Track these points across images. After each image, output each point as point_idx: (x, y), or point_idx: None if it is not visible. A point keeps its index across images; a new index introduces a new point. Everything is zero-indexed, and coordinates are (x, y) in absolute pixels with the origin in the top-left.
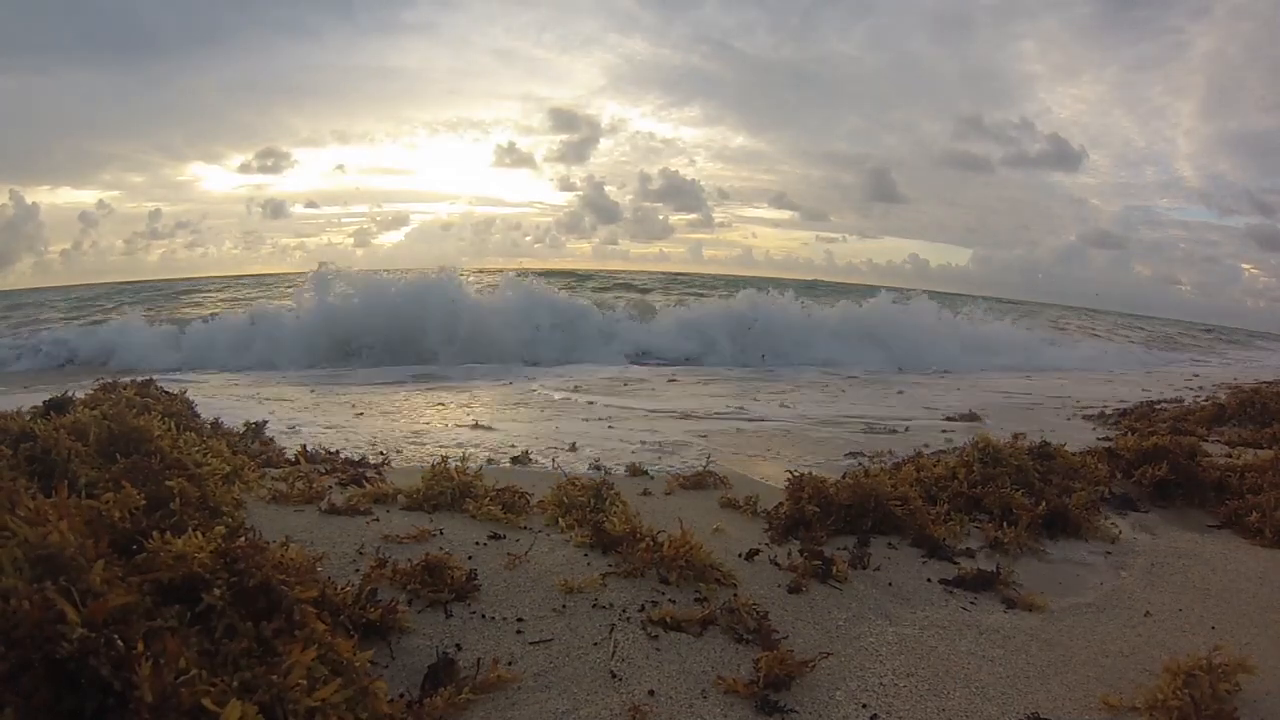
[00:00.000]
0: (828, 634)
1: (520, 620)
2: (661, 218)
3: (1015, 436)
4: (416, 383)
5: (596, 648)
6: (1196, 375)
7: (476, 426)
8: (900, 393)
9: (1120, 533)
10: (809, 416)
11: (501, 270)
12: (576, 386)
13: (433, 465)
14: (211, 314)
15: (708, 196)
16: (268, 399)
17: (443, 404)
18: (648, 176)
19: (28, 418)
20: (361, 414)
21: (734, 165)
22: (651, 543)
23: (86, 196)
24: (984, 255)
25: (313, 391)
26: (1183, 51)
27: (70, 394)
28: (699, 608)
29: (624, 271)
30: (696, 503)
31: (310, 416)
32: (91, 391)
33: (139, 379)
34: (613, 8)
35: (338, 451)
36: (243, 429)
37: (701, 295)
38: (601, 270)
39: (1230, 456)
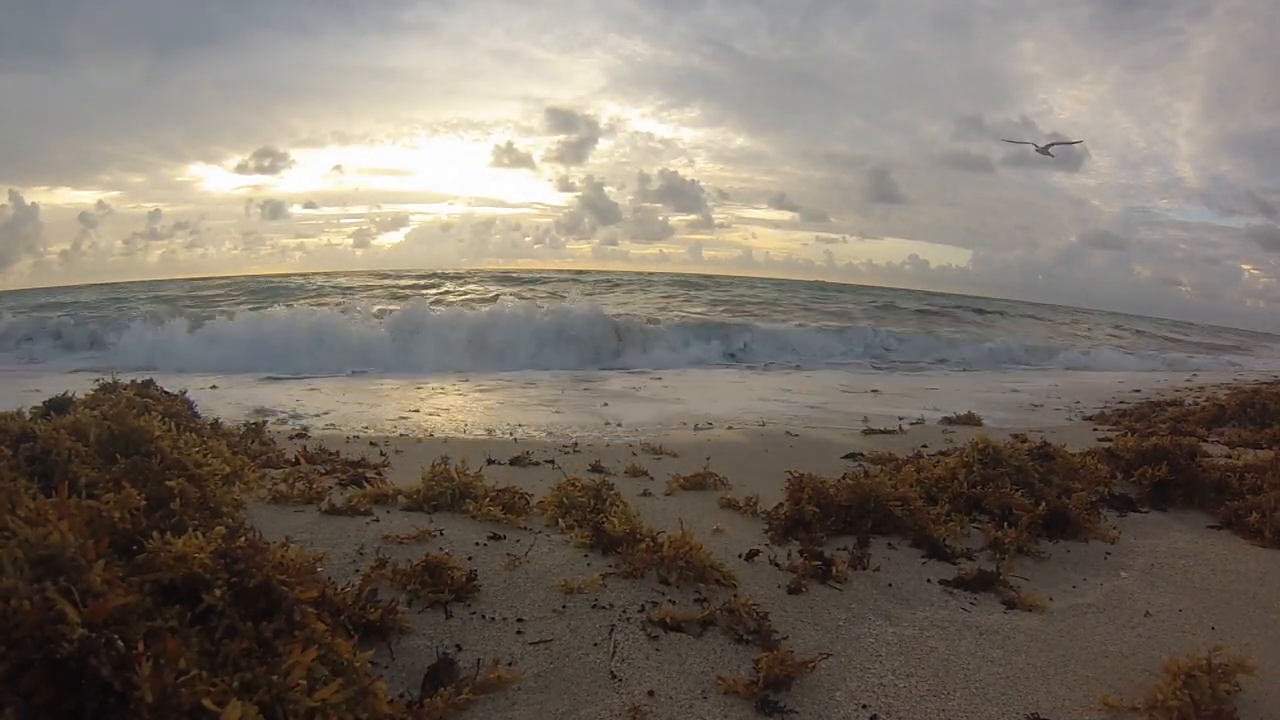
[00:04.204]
0: (828, 634)
1: (520, 621)
2: (661, 218)
3: (1016, 437)
4: None
5: (596, 648)
6: (1194, 375)
7: None
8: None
9: (1120, 533)
10: None
11: (502, 271)
12: None
13: (433, 465)
14: None
15: (708, 197)
16: None
17: None
18: (647, 177)
19: (28, 418)
20: None
21: (734, 166)
22: (651, 543)
23: (86, 197)
24: (984, 256)
25: None
26: (1183, 52)
27: (70, 394)
28: (699, 608)
29: (625, 271)
30: (696, 503)
31: None
32: (92, 391)
33: (139, 379)
34: (613, 8)
35: (337, 452)
36: (242, 429)
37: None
38: (602, 270)
39: (1230, 457)
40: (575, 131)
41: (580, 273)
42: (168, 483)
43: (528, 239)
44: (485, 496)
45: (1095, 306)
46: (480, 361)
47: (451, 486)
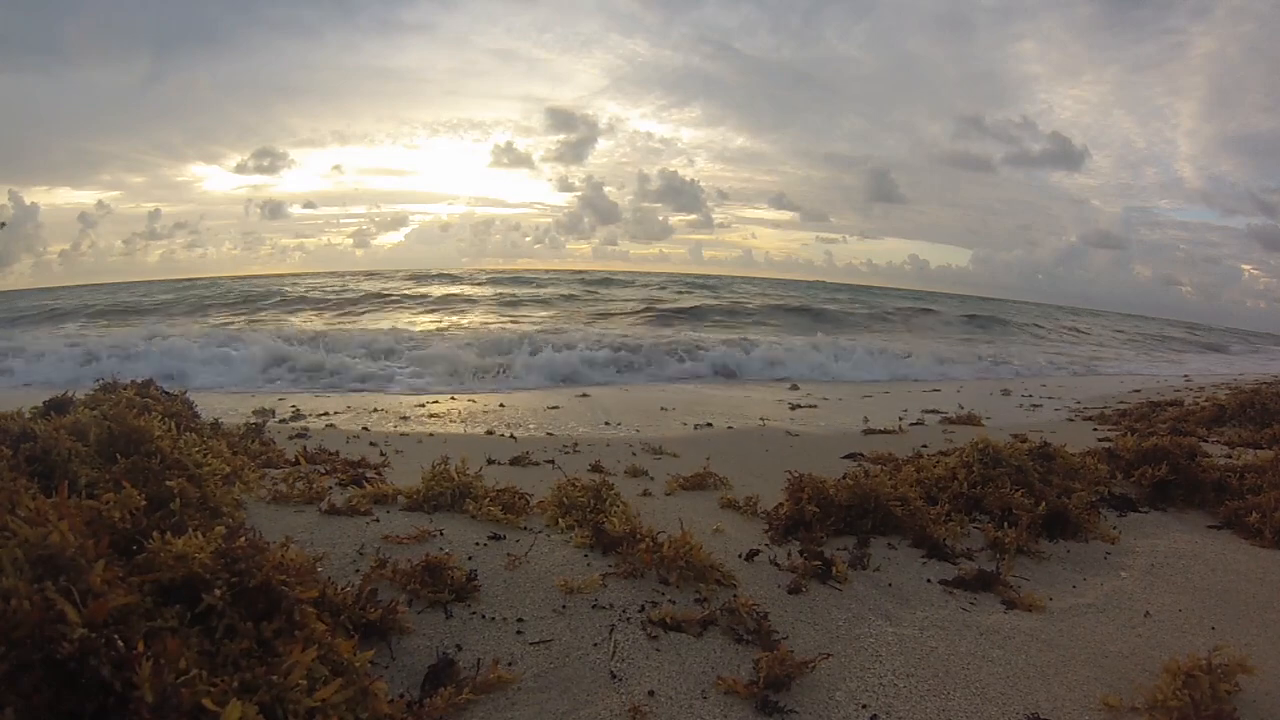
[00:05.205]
0: (828, 634)
1: (520, 621)
2: (661, 218)
3: (1016, 437)
4: None
5: (596, 648)
6: (1189, 377)
7: None
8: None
9: (1120, 533)
10: None
11: (501, 271)
12: None
13: (433, 466)
14: None
15: (707, 197)
16: None
17: None
18: (647, 177)
19: (28, 418)
20: None
21: (734, 166)
22: (651, 543)
23: (85, 197)
24: (984, 255)
25: None
26: (1183, 52)
27: (70, 394)
28: (699, 608)
29: (624, 271)
30: (696, 503)
31: None
32: (91, 392)
33: (139, 379)
34: (614, 8)
35: (337, 451)
36: (242, 429)
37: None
38: (602, 270)
39: (1230, 457)
40: (575, 131)
41: (580, 272)
42: (168, 483)
43: (527, 239)
44: (485, 496)
45: (1096, 306)
46: None
47: (451, 486)
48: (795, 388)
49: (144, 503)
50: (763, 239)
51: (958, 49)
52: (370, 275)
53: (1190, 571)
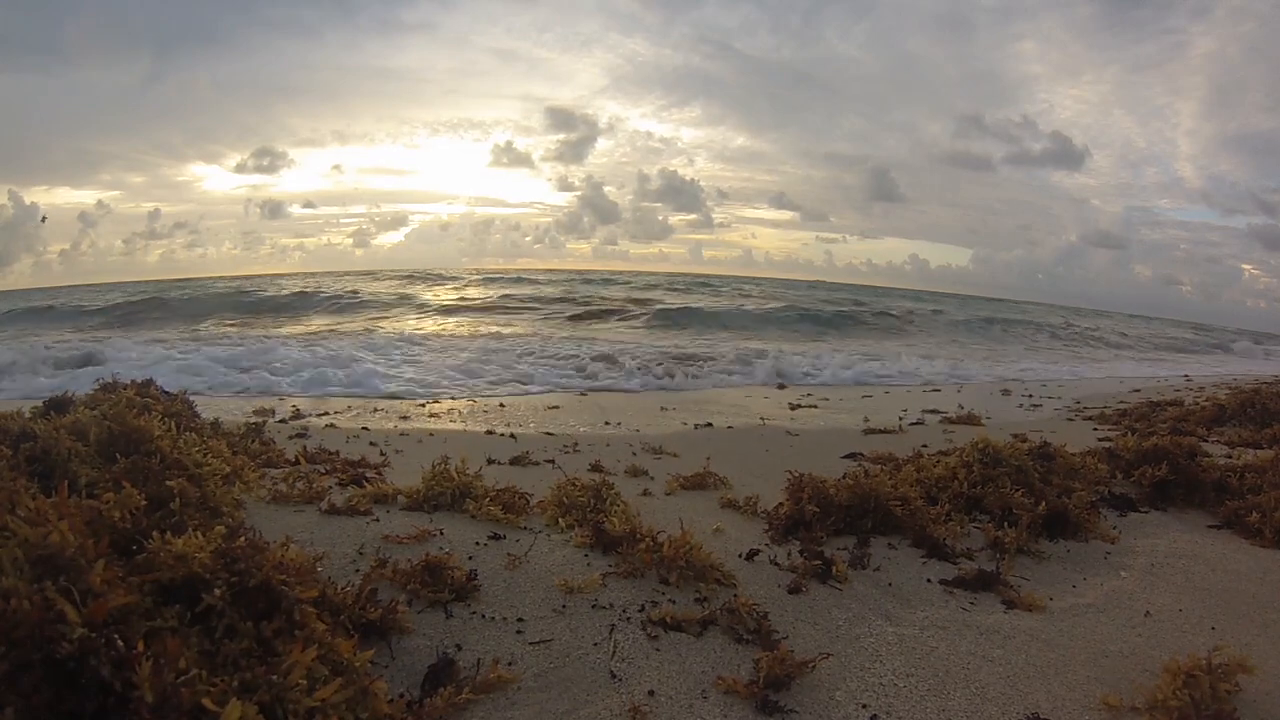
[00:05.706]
0: (828, 634)
1: (520, 620)
2: (661, 218)
3: (1016, 437)
4: None
5: (596, 648)
6: (1189, 377)
7: None
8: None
9: (1120, 533)
10: None
11: (501, 270)
12: None
13: (433, 465)
14: None
15: (707, 197)
16: None
17: None
18: (647, 177)
19: (28, 417)
20: None
21: (734, 165)
22: (651, 543)
23: (85, 197)
24: (984, 255)
25: None
26: (1183, 52)
27: (70, 394)
28: (699, 608)
29: (624, 271)
30: (696, 503)
31: None
32: (92, 391)
33: (139, 379)
34: (614, 8)
35: (337, 451)
36: (243, 429)
37: None
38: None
39: (1230, 456)
40: (575, 131)
41: (580, 272)
42: (168, 483)
43: (527, 239)
44: (485, 496)
45: (1097, 306)
46: None
47: (451, 486)
48: (783, 386)
49: (144, 503)
50: (763, 239)
51: (958, 49)
52: (369, 275)
53: (1190, 571)
